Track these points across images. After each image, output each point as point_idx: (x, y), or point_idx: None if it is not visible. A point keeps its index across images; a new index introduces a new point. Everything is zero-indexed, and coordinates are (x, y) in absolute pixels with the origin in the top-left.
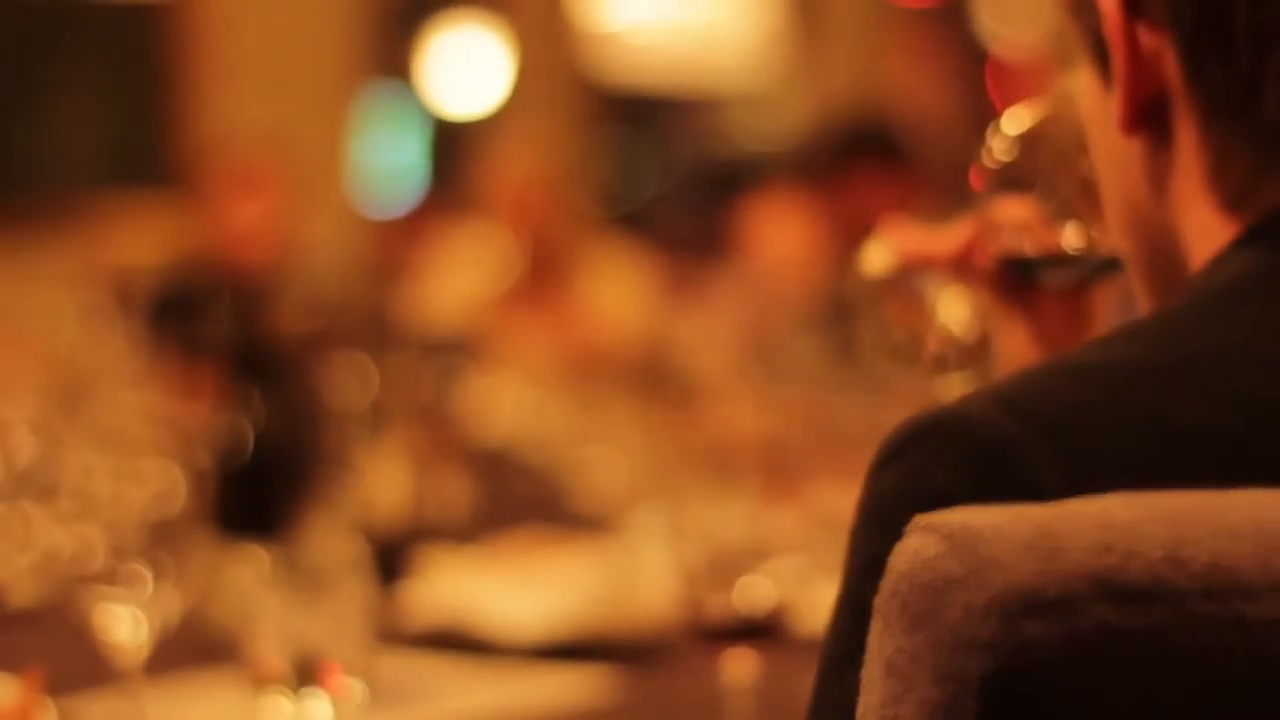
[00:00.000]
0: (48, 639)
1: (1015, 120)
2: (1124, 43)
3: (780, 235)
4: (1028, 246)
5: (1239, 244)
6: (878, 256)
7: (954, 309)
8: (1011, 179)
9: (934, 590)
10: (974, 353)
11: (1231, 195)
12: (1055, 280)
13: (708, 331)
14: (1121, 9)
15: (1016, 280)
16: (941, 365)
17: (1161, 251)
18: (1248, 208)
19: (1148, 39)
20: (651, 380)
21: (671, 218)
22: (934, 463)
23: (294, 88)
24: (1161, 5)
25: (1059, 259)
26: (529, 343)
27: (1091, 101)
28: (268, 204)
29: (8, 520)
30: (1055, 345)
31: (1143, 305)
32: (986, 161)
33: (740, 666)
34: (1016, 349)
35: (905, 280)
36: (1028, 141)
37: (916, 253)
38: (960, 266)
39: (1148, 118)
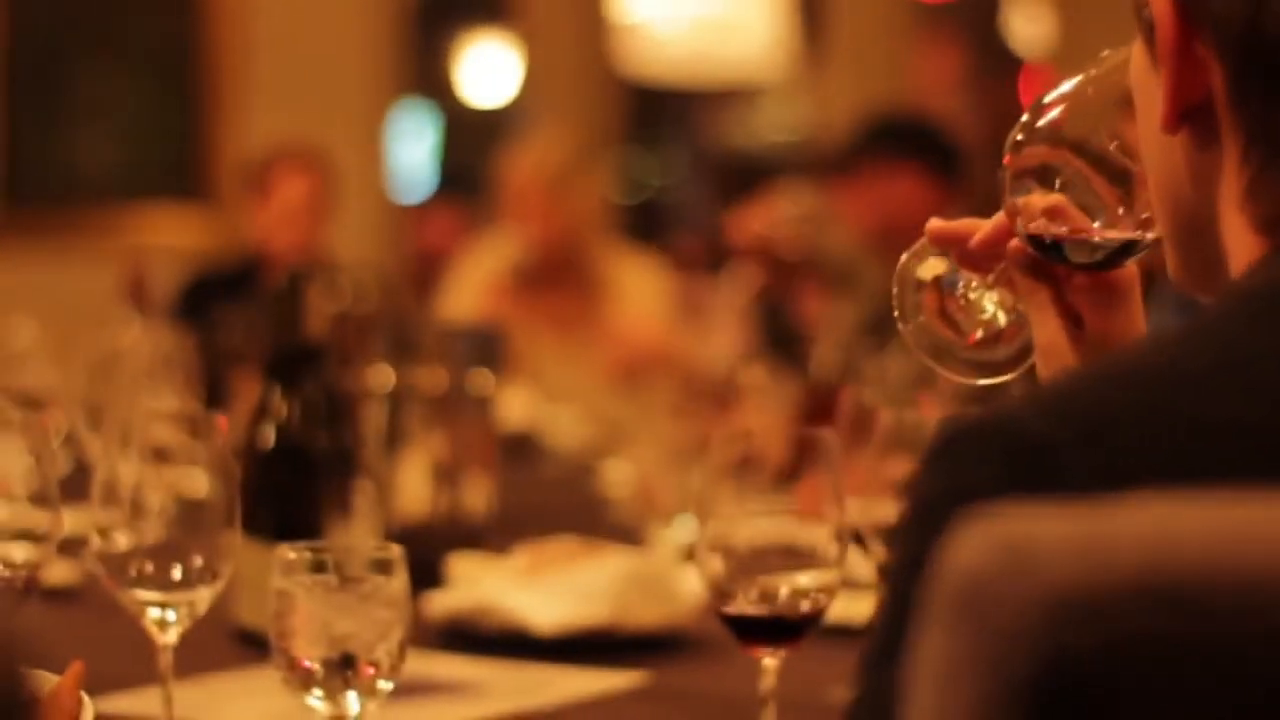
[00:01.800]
0: (78, 633)
1: (1039, 108)
2: (1174, 49)
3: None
4: (1055, 229)
5: (1276, 251)
6: (921, 253)
7: (996, 306)
8: (1037, 167)
9: (982, 593)
10: (1016, 350)
11: (1265, 217)
12: (1081, 258)
13: (734, 333)
14: (1176, 19)
15: (1044, 262)
16: (984, 362)
17: (1199, 237)
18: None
19: (1200, 49)
20: (679, 382)
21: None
22: (975, 464)
23: (322, 96)
24: (1210, 35)
25: (1084, 239)
26: (547, 343)
27: (1141, 79)
28: (307, 186)
29: (36, 517)
30: (1088, 327)
31: (1172, 278)
32: (1012, 149)
33: (769, 666)
34: (1051, 335)
35: (949, 277)
36: (1052, 128)
37: (952, 239)
38: (993, 253)
39: (1192, 117)
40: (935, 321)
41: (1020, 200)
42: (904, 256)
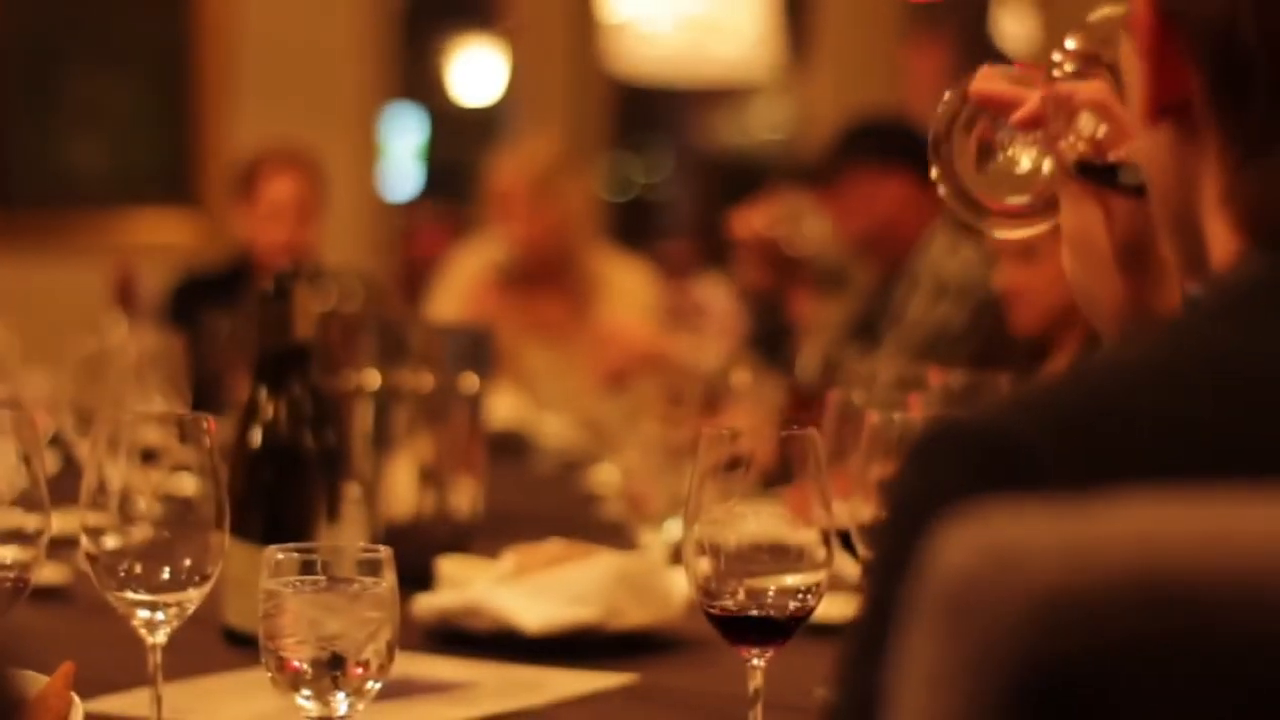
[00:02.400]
0: (67, 634)
1: (1078, 36)
2: (1152, 49)
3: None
4: (1102, 130)
5: (1254, 250)
6: (957, 99)
7: (1034, 160)
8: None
9: (968, 597)
10: (1044, 205)
11: (1241, 216)
12: (1131, 178)
13: (724, 334)
14: (1154, 20)
15: (1092, 181)
16: (1011, 214)
17: (1185, 229)
18: (1257, 227)
19: (1178, 49)
20: (667, 384)
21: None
22: (954, 465)
23: (311, 99)
24: (1188, 38)
25: (1132, 164)
26: (535, 344)
27: (1129, 63)
28: (294, 186)
29: (25, 518)
30: (1121, 228)
31: (1162, 250)
32: (1047, 78)
33: (756, 665)
34: (1082, 226)
35: (988, 126)
36: (1086, 56)
37: (996, 107)
38: (1031, 125)
39: (1173, 113)
40: (970, 165)
41: (1065, 89)
42: (948, 93)
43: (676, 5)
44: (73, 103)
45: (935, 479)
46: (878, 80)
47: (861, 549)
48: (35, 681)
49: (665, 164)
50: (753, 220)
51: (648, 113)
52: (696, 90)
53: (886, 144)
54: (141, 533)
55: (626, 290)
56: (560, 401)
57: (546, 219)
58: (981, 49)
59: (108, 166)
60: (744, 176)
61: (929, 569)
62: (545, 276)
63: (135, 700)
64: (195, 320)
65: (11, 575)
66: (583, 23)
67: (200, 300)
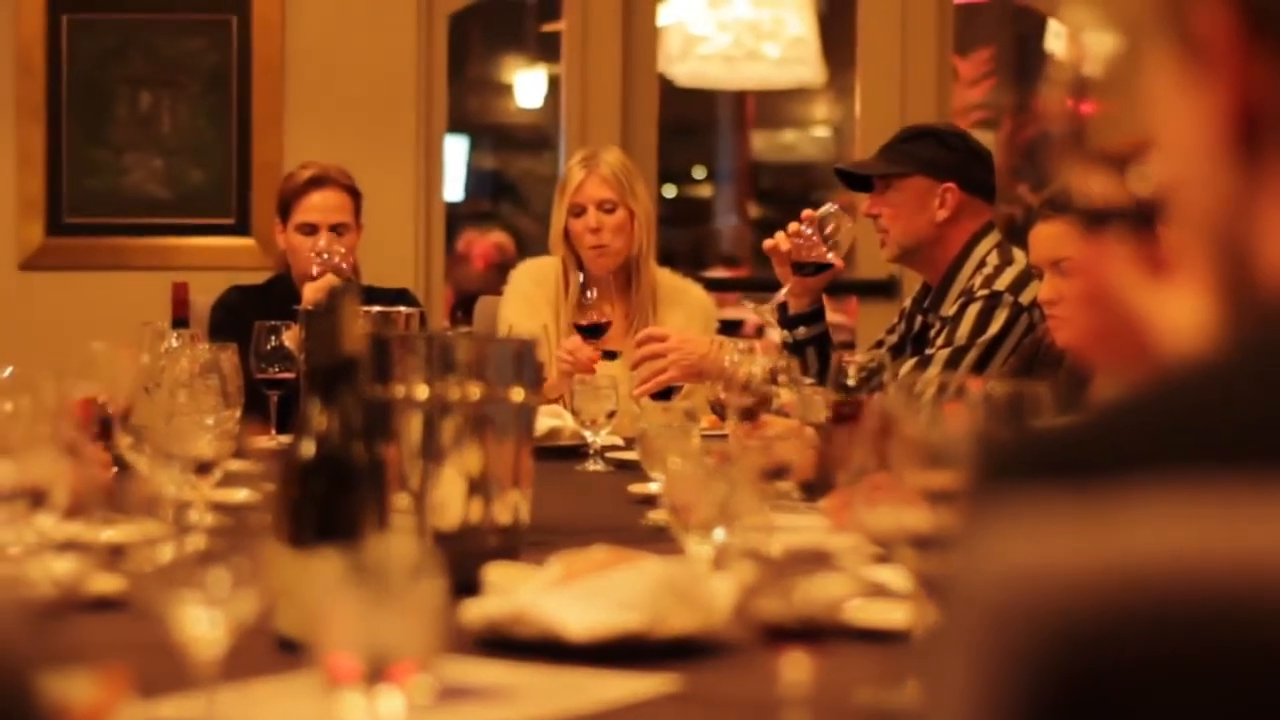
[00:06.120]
0: (120, 637)
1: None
2: (1238, 57)
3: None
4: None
5: None
6: None
7: None
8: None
9: (996, 619)
10: None
11: None
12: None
13: (768, 344)
14: (1238, 24)
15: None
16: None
17: (1231, 248)
18: None
19: (1260, 55)
20: (714, 392)
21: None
22: (1018, 480)
23: (365, 119)
24: (1274, 39)
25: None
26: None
27: (1166, 97)
28: (331, 202)
29: (81, 530)
30: None
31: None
32: None
33: (798, 668)
34: None
35: None
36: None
37: None
38: None
39: (1242, 133)
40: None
41: None
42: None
43: (723, 13)
44: (127, 127)
45: (999, 494)
46: (920, 87)
47: (901, 555)
48: (85, 687)
49: (713, 169)
50: (788, 234)
51: (695, 118)
52: (744, 95)
53: (940, 152)
54: (195, 542)
55: (689, 302)
56: (612, 409)
57: (613, 231)
58: (1028, 49)
59: (163, 190)
60: (792, 183)
61: (959, 590)
62: (610, 285)
63: (188, 706)
64: (243, 334)
65: (65, 586)
66: (633, 31)
67: (247, 314)
